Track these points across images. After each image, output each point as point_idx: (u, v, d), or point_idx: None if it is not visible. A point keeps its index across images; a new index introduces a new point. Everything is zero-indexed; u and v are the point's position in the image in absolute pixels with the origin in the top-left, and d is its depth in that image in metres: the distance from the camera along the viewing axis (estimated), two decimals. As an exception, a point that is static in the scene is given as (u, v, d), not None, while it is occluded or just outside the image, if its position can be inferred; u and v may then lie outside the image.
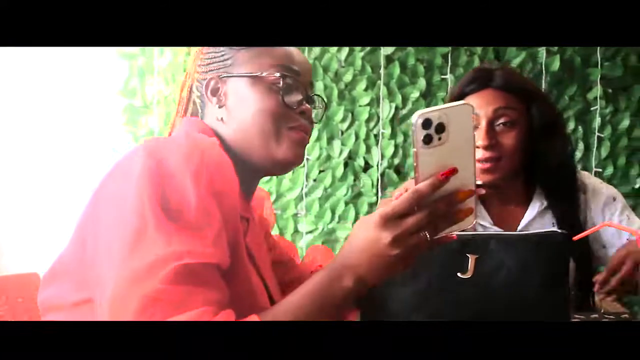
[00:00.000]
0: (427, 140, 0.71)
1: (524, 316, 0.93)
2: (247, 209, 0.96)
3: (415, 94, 2.20)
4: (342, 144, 2.21)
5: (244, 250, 0.86)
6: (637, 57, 2.28)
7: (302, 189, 2.19)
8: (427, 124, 0.70)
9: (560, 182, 1.44)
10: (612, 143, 2.24)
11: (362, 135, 2.21)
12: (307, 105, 0.96)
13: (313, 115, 0.98)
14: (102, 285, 0.75)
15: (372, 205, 2.20)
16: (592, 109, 2.24)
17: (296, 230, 2.21)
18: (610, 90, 2.24)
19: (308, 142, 0.98)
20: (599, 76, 2.23)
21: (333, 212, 2.21)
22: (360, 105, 2.21)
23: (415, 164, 0.72)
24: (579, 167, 1.61)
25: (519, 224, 1.46)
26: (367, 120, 2.21)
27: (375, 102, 2.21)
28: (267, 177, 1.67)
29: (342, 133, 2.21)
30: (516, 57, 2.20)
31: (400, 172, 2.22)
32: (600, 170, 2.23)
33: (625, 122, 2.25)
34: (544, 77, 2.21)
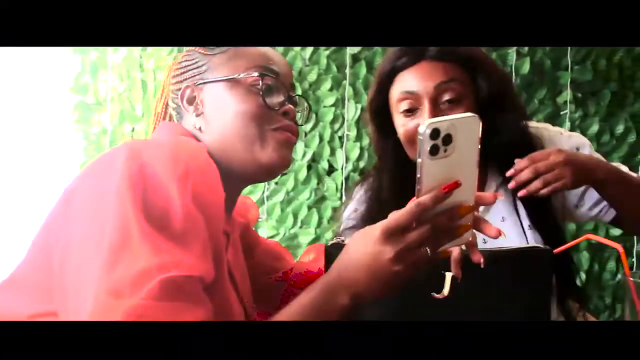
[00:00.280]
0: (434, 151, 0.69)
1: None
2: (228, 223, 0.91)
3: (382, 95, 2.14)
4: (306, 146, 2.13)
5: (225, 266, 0.83)
6: (607, 61, 2.29)
7: (263, 192, 2.11)
8: (435, 134, 0.69)
9: (516, 158, 1.17)
10: (581, 148, 2.22)
11: (327, 137, 2.14)
12: (289, 105, 0.92)
13: (297, 117, 0.96)
14: (77, 299, 0.70)
15: (336, 210, 2.13)
16: (561, 113, 2.23)
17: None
18: (579, 95, 2.24)
19: (295, 143, 0.94)
20: (569, 80, 2.22)
21: (295, 217, 2.13)
22: (324, 106, 2.14)
23: (419, 175, 0.71)
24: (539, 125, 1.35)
25: None
26: (332, 122, 2.14)
27: (340, 102, 2.14)
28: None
29: (306, 134, 2.14)
30: (485, 59, 2.16)
31: (365, 175, 2.16)
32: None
33: (595, 127, 2.24)
34: (513, 79, 2.17)
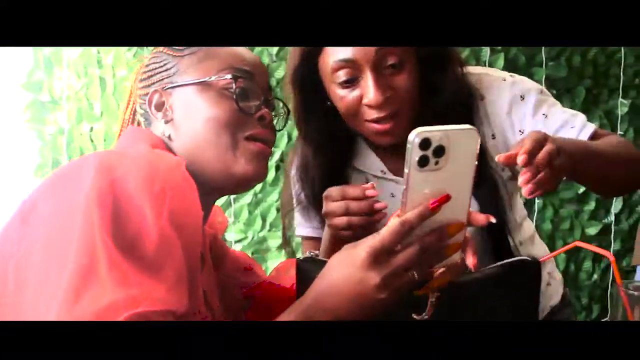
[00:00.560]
0: (423, 162, 0.64)
1: None
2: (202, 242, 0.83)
3: (353, 93, 2.07)
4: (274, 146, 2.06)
5: (200, 291, 0.77)
6: (582, 58, 2.27)
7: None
8: (425, 144, 0.64)
9: (458, 117, 1.00)
10: (557, 146, 2.19)
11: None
12: (266, 109, 0.87)
13: (275, 122, 0.90)
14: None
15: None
16: (536, 110, 2.19)
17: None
18: (554, 91, 2.21)
19: (270, 153, 0.88)
20: (544, 76, 2.20)
21: (264, 220, 2.07)
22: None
23: (404, 187, 0.66)
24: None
25: None
26: (301, 120, 2.07)
27: (309, 100, 2.07)
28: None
29: (274, 133, 2.07)
30: (459, 55, 2.11)
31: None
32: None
33: (570, 125, 2.20)
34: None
